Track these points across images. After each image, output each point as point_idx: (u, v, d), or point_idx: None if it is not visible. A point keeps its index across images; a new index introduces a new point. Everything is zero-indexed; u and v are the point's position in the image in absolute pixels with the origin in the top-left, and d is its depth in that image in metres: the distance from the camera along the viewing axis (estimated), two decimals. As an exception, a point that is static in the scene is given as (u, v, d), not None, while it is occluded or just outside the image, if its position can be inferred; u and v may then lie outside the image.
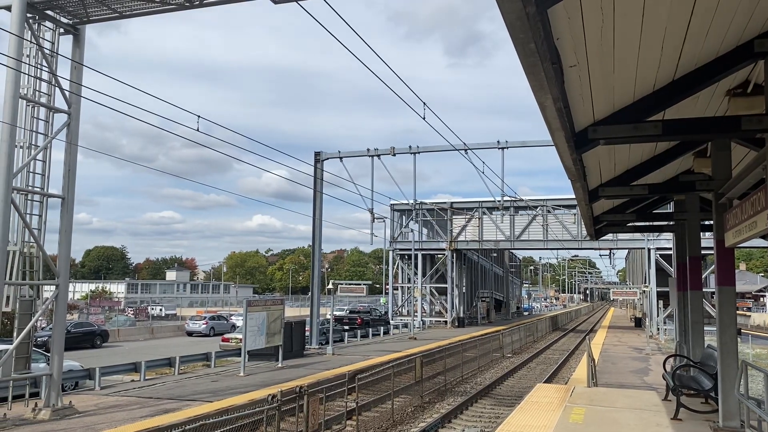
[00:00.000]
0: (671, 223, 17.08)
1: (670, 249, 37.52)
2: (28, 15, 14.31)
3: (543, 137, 36.52)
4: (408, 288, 53.45)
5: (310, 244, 36.11)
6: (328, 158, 36.57)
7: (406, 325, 46.96)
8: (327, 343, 30.46)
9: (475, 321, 58.21)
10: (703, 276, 24.84)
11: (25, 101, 14.51)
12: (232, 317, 52.75)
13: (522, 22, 4.17)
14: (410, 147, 41.38)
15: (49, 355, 16.42)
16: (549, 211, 48.38)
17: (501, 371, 27.49)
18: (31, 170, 14.74)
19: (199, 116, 14.99)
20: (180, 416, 14.28)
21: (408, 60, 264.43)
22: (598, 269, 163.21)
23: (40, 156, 14.86)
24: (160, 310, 74.43)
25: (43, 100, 14.99)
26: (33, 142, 14.72)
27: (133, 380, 20.79)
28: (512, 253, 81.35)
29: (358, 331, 39.55)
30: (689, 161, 11.66)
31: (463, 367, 25.23)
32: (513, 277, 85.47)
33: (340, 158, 38.80)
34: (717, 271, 10.09)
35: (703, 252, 15.11)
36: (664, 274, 42.54)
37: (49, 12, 14.94)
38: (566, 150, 7.91)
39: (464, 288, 56.79)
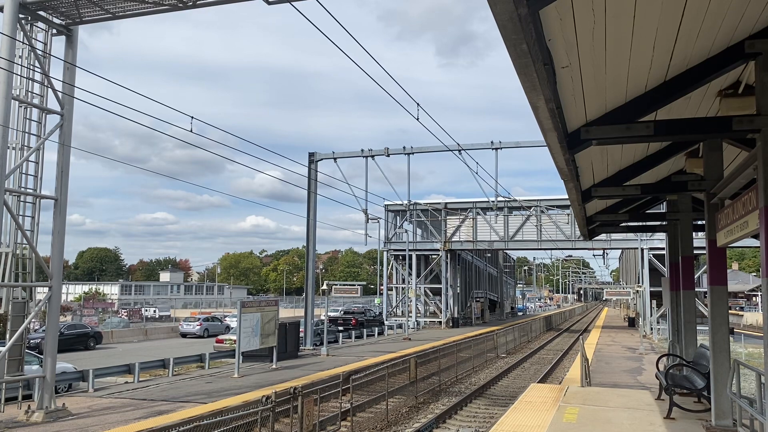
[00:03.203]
0: (664, 223, 17.15)
1: (663, 249, 37.67)
2: (21, 16, 14.26)
3: (536, 138, 36.66)
4: (402, 288, 53.46)
5: (305, 245, 36.08)
6: (322, 159, 36.55)
7: (400, 326, 46.97)
8: (321, 343, 30.44)
9: (469, 321, 58.28)
10: (695, 275, 24.95)
11: (17, 102, 14.46)
12: (227, 318, 52.59)
13: (514, 23, 4.19)
14: (404, 147, 41.45)
15: (42, 357, 16.37)
16: (542, 212, 48.50)
17: (495, 371, 27.53)
18: (24, 171, 14.69)
19: (192, 117, 14.96)
20: (174, 418, 14.25)
21: (401, 60, 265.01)
22: (592, 269, 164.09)
23: (32, 157, 14.81)
24: (154, 311, 74.11)
25: (36, 101, 14.95)
26: (25, 144, 14.67)
27: (126, 382, 20.73)
28: (506, 253, 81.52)
29: (353, 331, 39.54)
30: (681, 161, 11.71)
31: (457, 367, 25.27)
32: (507, 278, 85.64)
33: (334, 159, 38.81)
34: (709, 271, 10.14)
35: (695, 252, 15.15)
36: (657, 274, 42.70)
37: (41, 13, 14.90)
38: (559, 150, 7.94)
39: (458, 288, 56.84)
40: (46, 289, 15.15)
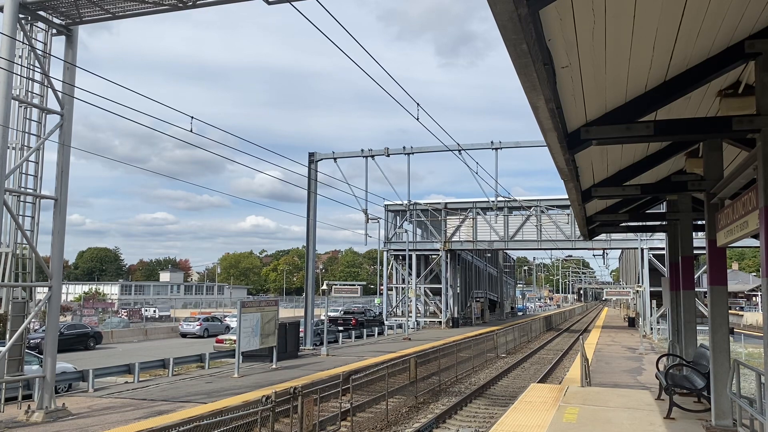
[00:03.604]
0: (664, 223, 17.15)
1: (663, 249, 37.68)
2: (21, 16, 14.26)
3: (536, 138, 36.66)
4: (402, 288, 53.46)
5: (305, 245, 36.08)
6: (322, 159, 36.55)
7: (400, 326, 46.97)
8: (321, 343, 30.44)
9: (469, 321, 58.27)
10: (695, 276, 24.95)
11: (17, 102, 14.46)
12: (227, 318, 52.58)
13: (514, 23, 4.19)
14: (404, 147, 41.45)
15: (42, 357, 16.36)
16: (542, 212, 48.50)
17: (495, 371, 27.53)
18: (24, 171, 14.69)
19: (192, 117, 14.96)
20: (174, 418, 14.25)
21: (401, 60, 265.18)
22: (592, 269, 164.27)
23: (32, 157, 14.81)
24: (154, 311, 74.10)
25: (36, 101, 14.94)
26: (25, 144, 14.67)
27: (126, 382, 20.73)
28: (506, 253, 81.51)
29: (353, 331, 39.54)
30: (681, 161, 11.71)
31: (457, 367, 25.26)
32: (507, 278, 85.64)
33: (334, 159, 38.80)
34: (709, 271, 10.14)
35: (695, 252, 15.15)
36: (657, 274, 42.69)
37: (41, 13, 14.90)
38: (559, 150, 7.94)
39: (458, 288, 56.84)
40: (46, 289, 15.14)
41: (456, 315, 54.46)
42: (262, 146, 19.58)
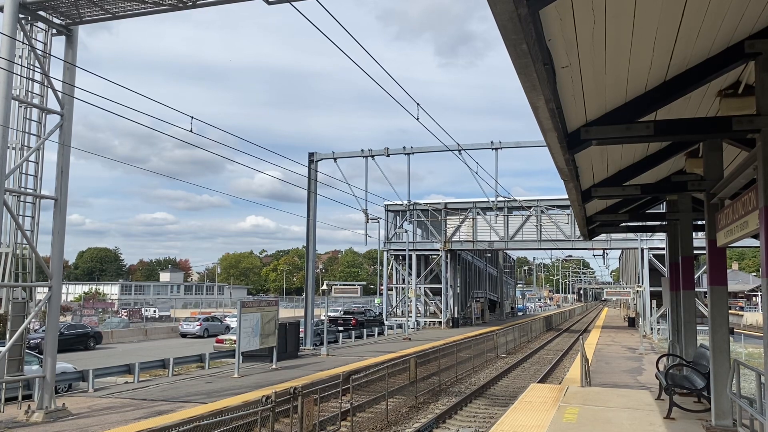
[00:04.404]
0: (664, 223, 17.15)
1: (663, 249, 37.67)
2: (21, 16, 14.27)
3: (536, 138, 36.66)
4: (402, 289, 53.45)
5: (305, 245, 36.09)
6: (322, 159, 36.55)
7: (400, 326, 46.96)
8: (321, 344, 30.45)
9: (469, 321, 58.27)
10: (695, 276, 24.95)
11: (17, 102, 14.46)
12: (227, 318, 52.59)
13: (514, 23, 4.19)
14: (404, 147, 41.46)
15: (42, 357, 16.36)
16: (542, 212, 48.50)
17: (495, 371, 27.52)
18: (24, 171, 14.69)
19: (192, 117, 14.96)
20: (174, 418, 14.25)
21: (400, 60, 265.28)
22: (592, 269, 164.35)
23: (32, 157, 14.81)
24: (154, 311, 74.08)
25: (36, 101, 14.95)
26: (25, 144, 14.67)
27: (126, 382, 20.73)
28: (506, 253, 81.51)
29: (353, 331, 39.55)
30: (681, 161, 11.71)
31: (457, 367, 25.26)
32: (507, 278, 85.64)
33: (334, 159, 38.81)
34: (709, 271, 10.13)
35: (695, 252, 15.14)
36: (657, 274, 42.69)
37: (41, 13, 14.91)
38: (559, 150, 7.94)
39: (458, 288, 56.83)
40: (46, 289, 15.14)
41: (456, 315, 54.45)
42: (262, 146, 19.61)
